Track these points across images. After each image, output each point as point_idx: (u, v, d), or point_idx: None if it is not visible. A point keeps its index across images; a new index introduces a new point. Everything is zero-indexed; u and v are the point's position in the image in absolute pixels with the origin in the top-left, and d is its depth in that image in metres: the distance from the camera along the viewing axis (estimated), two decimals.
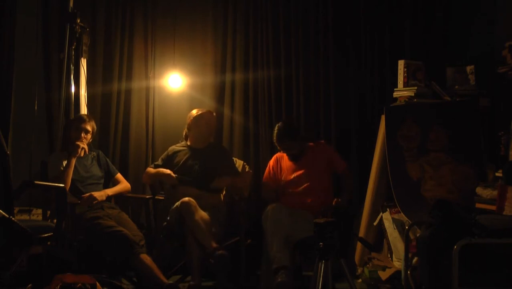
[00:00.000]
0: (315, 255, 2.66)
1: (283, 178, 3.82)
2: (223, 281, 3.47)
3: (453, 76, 3.82)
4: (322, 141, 3.97)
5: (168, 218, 3.55)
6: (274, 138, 3.78)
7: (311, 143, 3.89)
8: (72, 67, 3.88)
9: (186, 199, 3.47)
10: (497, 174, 3.29)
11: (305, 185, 3.71)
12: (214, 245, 3.29)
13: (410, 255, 2.99)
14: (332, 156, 3.82)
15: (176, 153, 3.86)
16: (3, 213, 2.49)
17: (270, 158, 4.21)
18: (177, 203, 3.47)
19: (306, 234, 3.30)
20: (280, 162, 3.91)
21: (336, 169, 3.81)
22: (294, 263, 3.43)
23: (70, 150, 3.56)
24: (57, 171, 3.51)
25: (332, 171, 3.81)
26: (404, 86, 3.78)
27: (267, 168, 3.95)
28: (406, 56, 3.98)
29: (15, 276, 2.87)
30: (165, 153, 3.91)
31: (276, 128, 3.79)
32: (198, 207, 3.46)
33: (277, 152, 3.94)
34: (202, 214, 3.46)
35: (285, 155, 3.87)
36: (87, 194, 3.50)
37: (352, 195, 3.91)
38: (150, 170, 3.83)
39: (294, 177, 3.77)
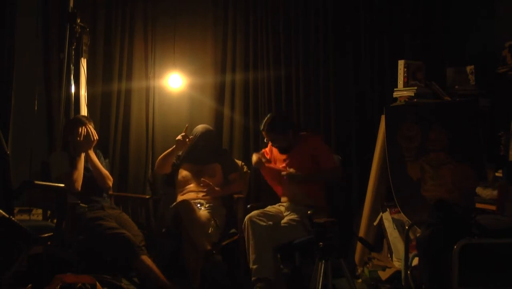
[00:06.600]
0: (315, 255, 2.66)
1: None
2: (219, 284, 3.45)
3: (453, 76, 3.82)
4: (308, 132, 3.74)
5: (165, 217, 3.55)
6: (262, 127, 3.55)
7: (303, 133, 3.66)
8: (72, 67, 3.88)
9: (184, 199, 3.47)
10: (497, 174, 3.29)
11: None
12: (208, 247, 3.28)
13: (410, 255, 2.99)
14: (319, 151, 3.56)
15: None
16: (3, 213, 2.49)
17: None
18: (174, 203, 3.47)
19: (288, 238, 3.25)
20: (272, 150, 3.75)
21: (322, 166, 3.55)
22: (279, 269, 3.36)
23: (72, 152, 3.55)
24: (60, 171, 3.51)
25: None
26: (404, 86, 3.79)
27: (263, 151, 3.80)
28: (406, 56, 3.98)
29: (15, 276, 2.87)
30: None
31: (267, 117, 3.56)
32: (195, 207, 3.46)
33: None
34: (200, 214, 3.46)
35: None
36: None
37: (326, 176, 3.54)
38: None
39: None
